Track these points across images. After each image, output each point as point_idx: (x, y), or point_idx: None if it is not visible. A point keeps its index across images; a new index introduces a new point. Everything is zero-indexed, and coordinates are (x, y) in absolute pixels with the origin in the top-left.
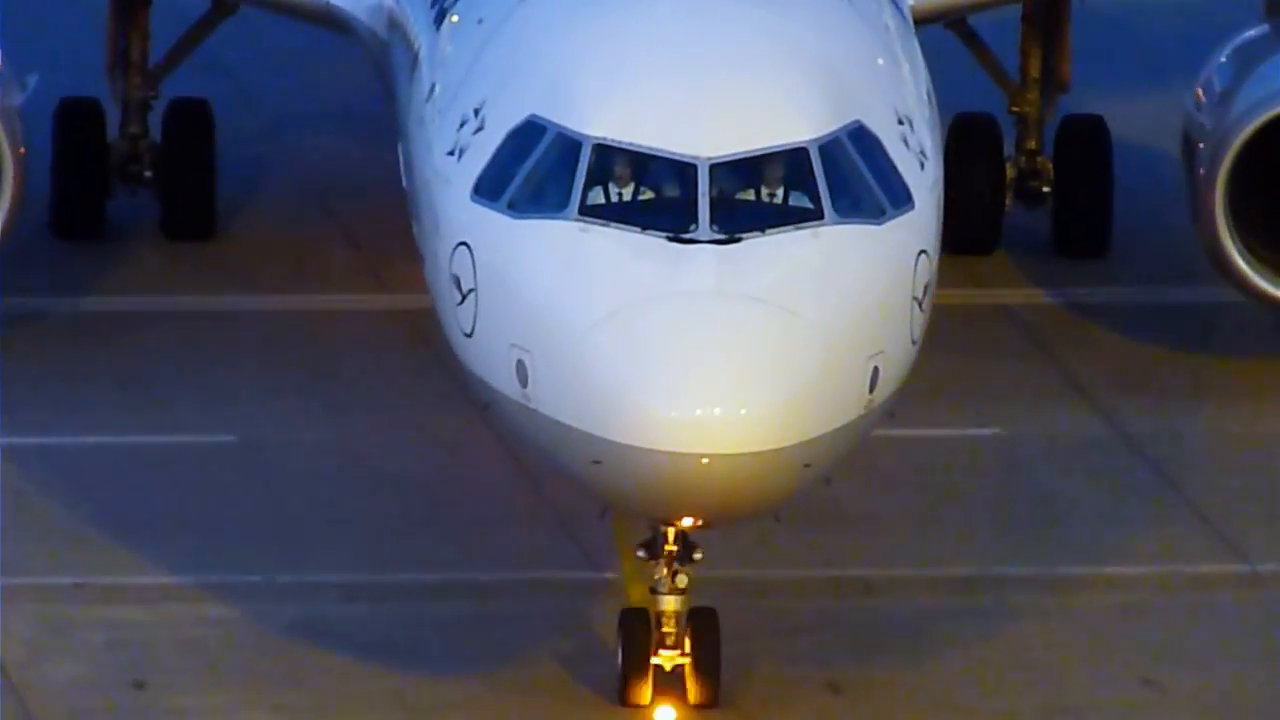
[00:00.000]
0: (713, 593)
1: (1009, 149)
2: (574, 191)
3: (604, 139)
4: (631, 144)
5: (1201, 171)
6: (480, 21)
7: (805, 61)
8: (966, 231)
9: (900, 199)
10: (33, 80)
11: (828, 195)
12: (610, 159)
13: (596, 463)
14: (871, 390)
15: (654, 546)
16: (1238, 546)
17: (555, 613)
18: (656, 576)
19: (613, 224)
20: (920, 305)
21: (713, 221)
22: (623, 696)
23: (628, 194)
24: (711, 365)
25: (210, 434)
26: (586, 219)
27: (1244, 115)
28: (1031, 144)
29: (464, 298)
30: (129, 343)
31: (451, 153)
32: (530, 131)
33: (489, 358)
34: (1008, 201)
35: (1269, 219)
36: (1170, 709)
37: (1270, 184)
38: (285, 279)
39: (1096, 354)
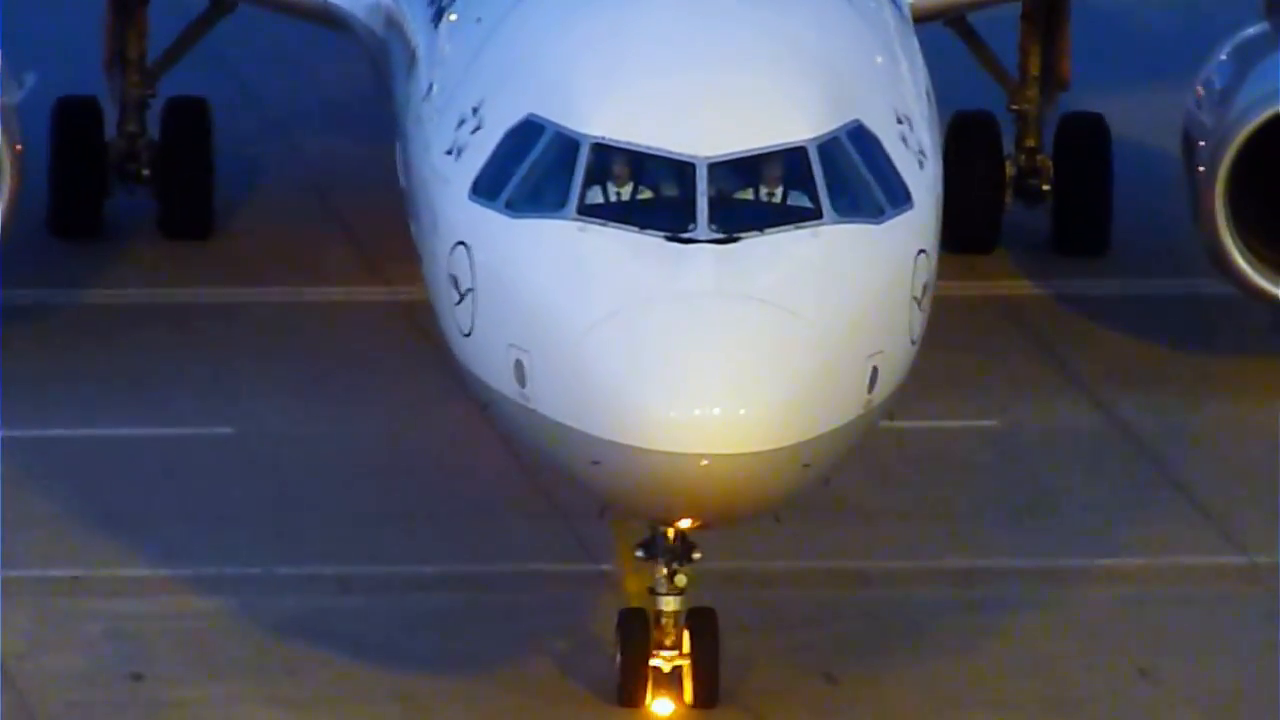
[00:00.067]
0: (710, 585)
1: (1008, 147)
2: (572, 191)
3: (602, 138)
4: (630, 143)
5: (1201, 169)
6: (478, 20)
7: (804, 60)
8: (966, 230)
9: (899, 198)
10: (30, 78)
11: (826, 194)
12: (608, 158)
13: (595, 463)
14: (871, 390)
15: (652, 547)
16: (1235, 538)
17: (553, 605)
18: (655, 577)
19: (611, 223)
20: (919, 305)
21: (711, 221)
22: (622, 697)
23: (626, 193)
24: (710, 365)
25: (208, 426)
26: (585, 218)
27: (1244, 114)
28: (1031, 142)
29: (462, 297)
30: (126, 335)
31: (449, 152)
32: (528, 131)
33: (487, 357)
34: (1007, 199)
35: (1268, 217)
36: (1167, 700)
37: (1270, 182)
38: (284, 277)
39: (1095, 348)
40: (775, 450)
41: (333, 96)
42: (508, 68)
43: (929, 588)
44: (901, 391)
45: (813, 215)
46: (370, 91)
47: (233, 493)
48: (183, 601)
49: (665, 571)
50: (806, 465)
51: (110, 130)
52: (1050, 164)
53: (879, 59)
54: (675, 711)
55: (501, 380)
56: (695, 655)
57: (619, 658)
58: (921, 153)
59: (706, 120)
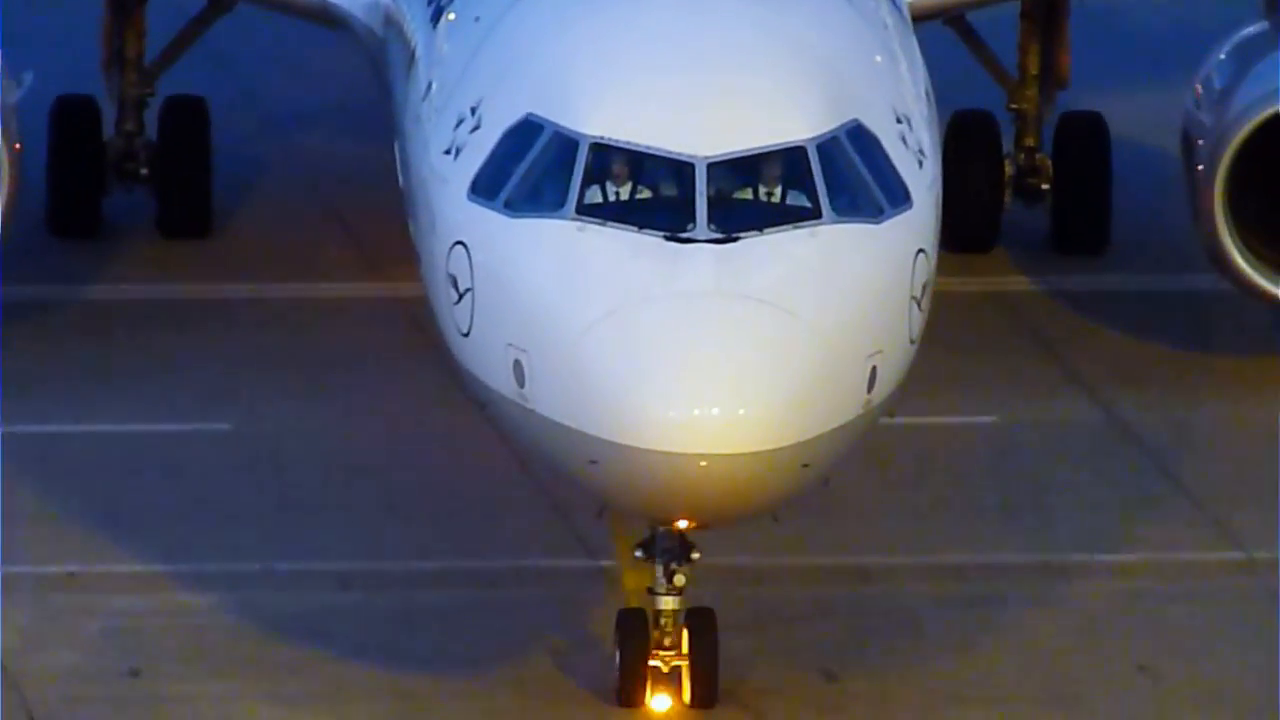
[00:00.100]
0: (708, 582)
1: (1008, 146)
2: (571, 190)
3: (601, 138)
4: (629, 143)
5: (1201, 168)
6: (477, 19)
7: (803, 60)
8: (965, 229)
9: (898, 198)
10: (28, 77)
11: (825, 194)
12: (607, 158)
13: (593, 463)
14: (870, 390)
15: (651, 547)
16: (1233, 534)
17: (552, 600)
18: (654, 577)
19: (610, 223)
20: (919, 304)
21: (710, 221)
22: (621, 697)
23: (625, 193)
24: (709, 365)
25: (206, 422)
26: (583, 218)
27: (1243, 113)
28: (1030, 141)
29: (461, 297)
30: (124, 331)
31: (448, 151)
32: (527, 130)
33: (486, 357)
34: (1006, 199)
35: (1268, 216)
36: (1165, 696)
37: (1269, 181)
38: (283, 275)
39: (1094, 345)
40: (774, 450)
41: (332, 95)
42: (506, 67)
43: (928, 584)
44: (901, 391)
45: (812, 215)
46: (369, 90)
47: (231, 489)
48: (181, 598)
49: (663, 571)
50: (805, 465)
51: (108, 129)
52: (1049, 163)
53: (878, 58)
54: (673, 708)
55: (500, 380)
56: (694, 655)
57: (618, 658)
58: (921, 152)
59: (705, 120)
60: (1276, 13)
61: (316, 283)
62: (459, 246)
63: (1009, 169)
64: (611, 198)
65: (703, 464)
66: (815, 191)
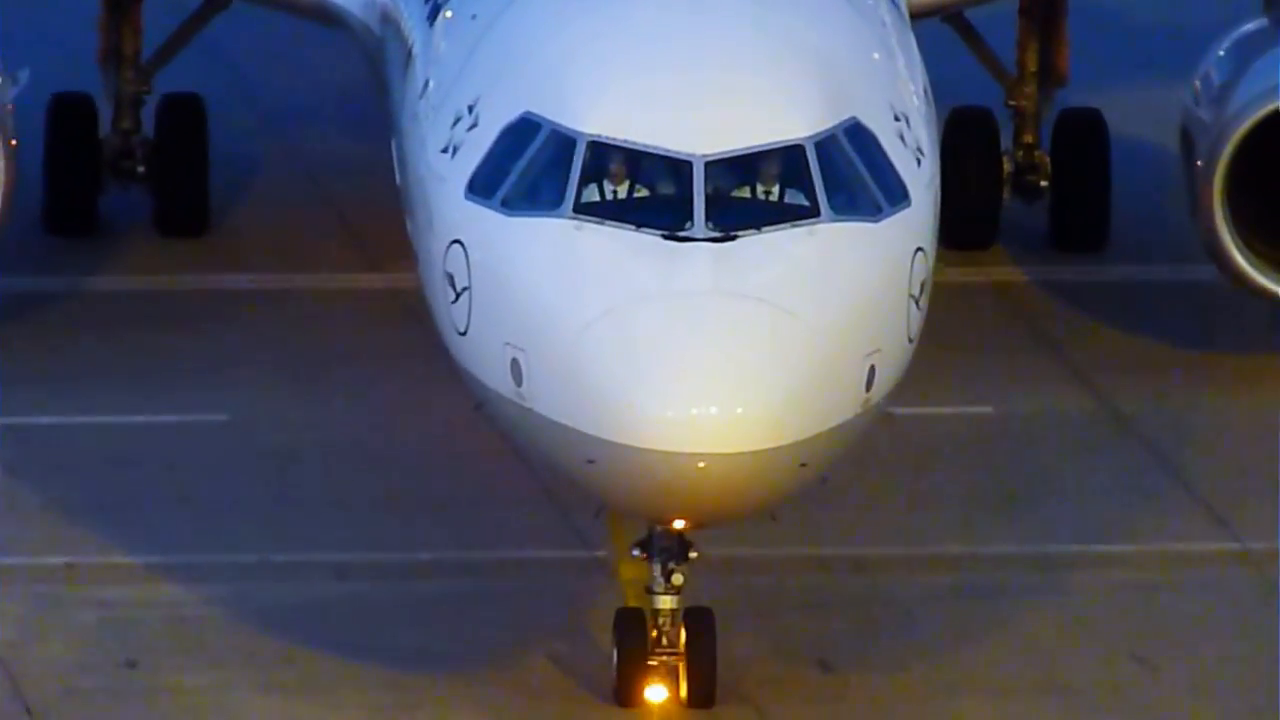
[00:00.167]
0: (704, 573)
1: (1006, 143)
2: (568, 189)
3: (599, 136)
4: (626, 141)
5: (1199, 165)
6: (474, 17)
7: (801, 58)
8: (964, 226)
9: (897, 196)
10: (24, 75)
11: (824, 193)
12: (605, 156)
13: (591, 462)
14: (868, 389)
15: (649, 546)
16: (1228, 524)
17: (549, 592)
18: (652, 576)
19: (607, 222)
20: (917, 303)
21: (708, 219)
22: (619, 696)
23: (622, 192)
24: (707, 364)
25: (202, 413)
26: (581, 217)
27: (1242, 110)
28: (1029, 138)
29: (458, 296)
30: (120, 323)
31: (445, 150)
32: (524, 128)
33: (483, 356)
34: (1005, 196)
35: (1266, 213)
36: (1160, 686)
37: (1268, 178)
38: (281, 270)
39: (1091, 337)
40: (772, 450)
41: (330, 92)
42: (504, 65)
43: (923, 575)
44: (899, 389)
45: (810, 213)
46: (367, 87)
47: (228, 480)
48: (177, 589)
49: (662, 571)
50: (803, 465)
51: (105, 127)
52: (1048, 160)
53: (876, 56)
54: (669, 699)
55: (497, 379)
56: (692, 655)
57: (616, 657)
58: (919, 150)
59: (703, 118)
60: (1275, 9)
61: (314, 274)
62: (456, 245)
63: (1007, 166)
64: (609, 196)
65: (700, 463)
66: (813, 190)
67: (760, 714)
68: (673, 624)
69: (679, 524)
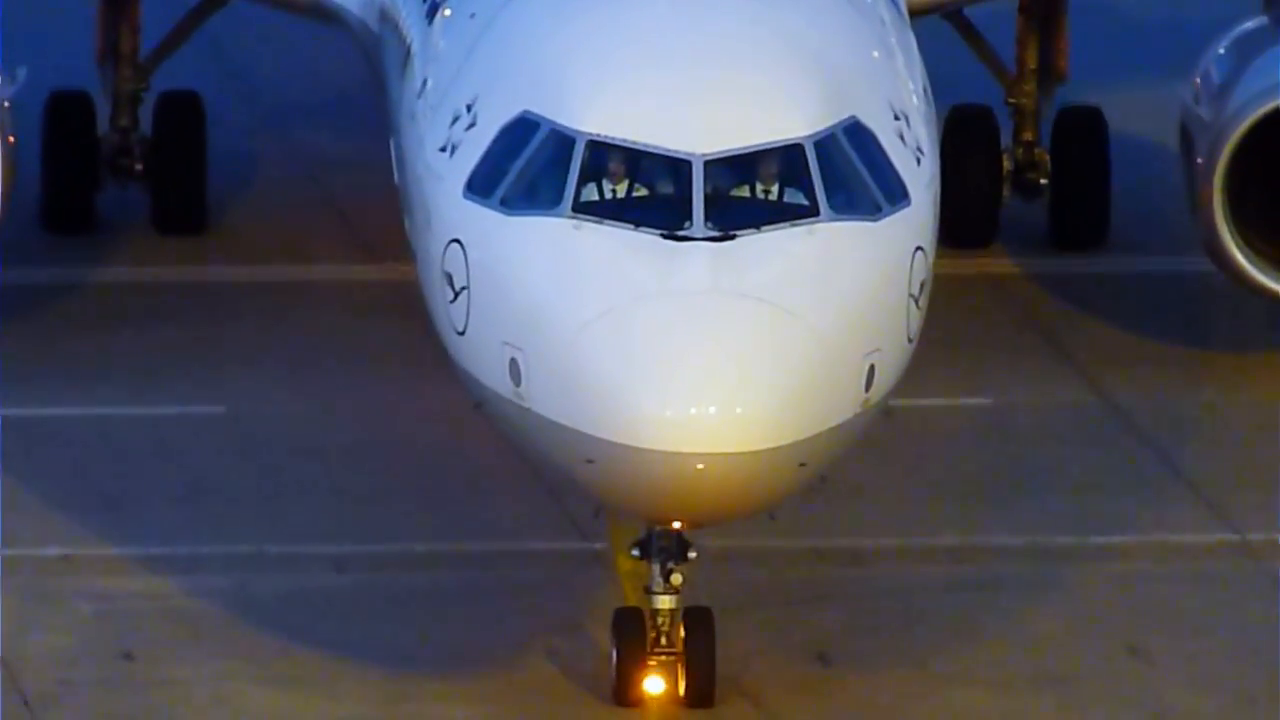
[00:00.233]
0: (701, 565)
1: (1006, 141)
2: (567, 188)
3: (597, 135)
4: (625, 140)
5: (1199, 163)
6: (472, 16)
7: (800, 57)
8: (963, 224)
9: (896, 195)
10: (22, 73)
11: (823, 192)
12: (604, 155)
13: (590, 462)
14: (868, 389)
15: (648, 546)
16: (1226, 516)
17: (547, 583)
18: (651, 576)
19: (606, 221)
20: (917, 303)
21: (707, 219)
22: (618, 696)
23: (621, 191)
24: (706, 364)
25: (199, 405)
26: (580, 216)
27: (1242, 108)
28: (1028, 136)
29: (456, 295)
30: (118, 315)
31: (443, 149)
32: (523, 127)
33: (482, 356)
34: (1005, 194)
35: (1266, 211)
36: (1158, 678)
37: (1268, 177)
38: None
39: (1090, 331)
40: (771, 450)
41: (329, 89)
42: (502, 64)
43: (921, 566)
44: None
45: (809, 213)
46: (366, 84)
47: (225, 472)
48: (175, 581)
49: (660, 571)
50: (802, 464)
51: (103, 125)
52: (1048, 158)
53: (875, 54)
54: (667, 691)
55: (496, 378)
56: (691, 655)
57: (615, 657)
58: (919, 149)
59: (702, 117)
60: (1275, 7)
61: (311, 266)
62: (455, 244)
63: (1007, 164)
64: (608, 195)
65: (699, 463)
66: (813, 189)
67: (758, 706)
68: (672, 624)
69: (677, 524)
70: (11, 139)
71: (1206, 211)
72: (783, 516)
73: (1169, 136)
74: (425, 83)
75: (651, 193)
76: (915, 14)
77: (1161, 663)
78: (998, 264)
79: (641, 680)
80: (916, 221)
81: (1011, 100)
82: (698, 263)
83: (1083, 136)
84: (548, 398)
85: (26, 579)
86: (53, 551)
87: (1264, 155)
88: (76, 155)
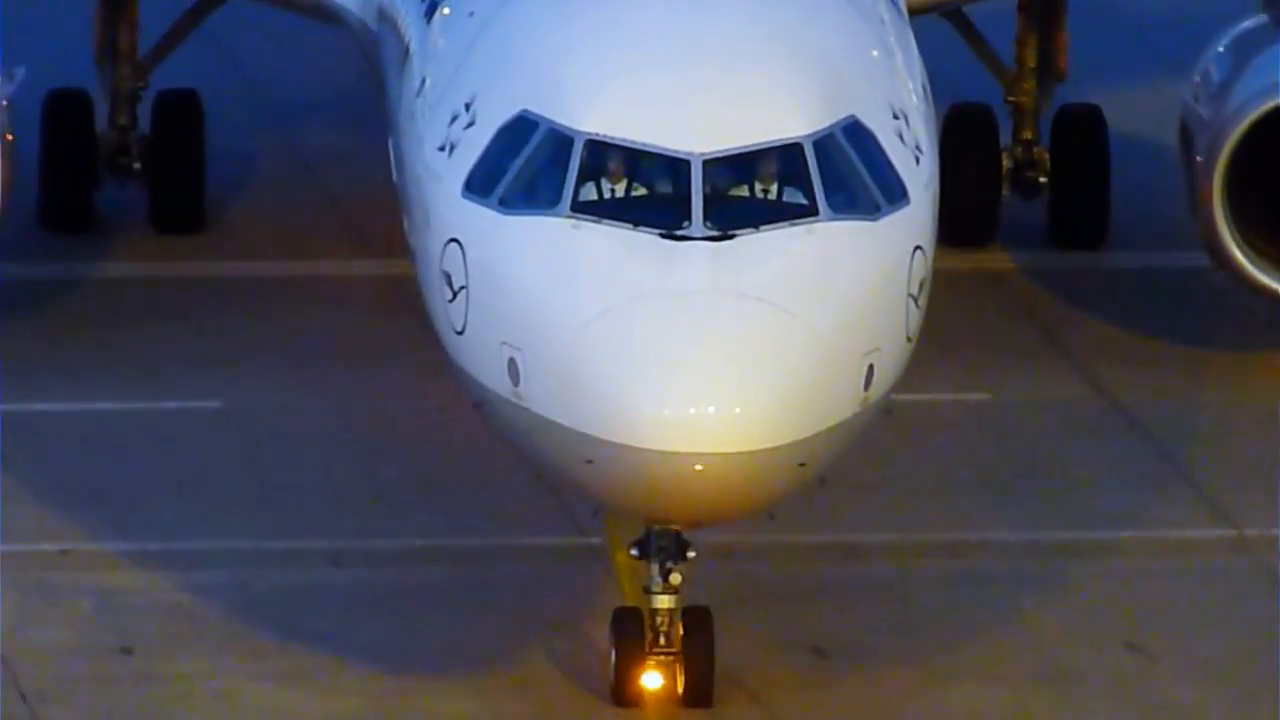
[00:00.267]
0: (698, 559)
1: (1005, 139)
2: (566, 188)
3: (596, 135)
4: (624, 140)
5: (1199, 162)
6: (471, 15)
7: (799, 56)
8: (963, 223)
9: (895, 195)
10: (20, 71)
11: (822, 191)
12: (602, 155)
13: (588, 462)
14: (867, 388)
15: (646, 545)
16: (1226, 512)
17: (545, 579)
18: (649, 576)
19: (605, 221)
20: (916, 302)
21: (706, 218)
22: (617, 696)
23: (620, 190)
24: (704, 363)
25: (197, 400)
26: (578, 216)
27: (1242, 107)
28: (1028, 134)
29: (455, 295)
30: (115, 310)
31: (442, 148)
32: (522, 127)
33: (480, 355)
34: (1004, 192)
35: (1266, 210)
36: (1156, 674)
37: (1268, 176)
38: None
39: (1089, 328)
40: (770, 449)
41: (327, 87)
42: (501, 63)
43: (920, 562)
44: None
45: (808, 212)
46: (365, 82)
47: (222, 467)
48: (173, 576)
49: (659, 570)
50: (802, 464)
51: (101, 123)
52: (1047, 156)
53: (875, 53)
54: (665, 689)
55: (494, 378)
56: (690, 654)
57: (614, 656)
58: (918, 148)
59: (701, 116)
60: (1275, 6)
61: (309, 261)
62: (453, 244)
63: (1007, 162)
64: (606, 195)
65: (698, 463)
66: (812, 189)
67: (756, 702)
68: (670, 624)
69: (676, 524)
70: (10, 137)
71: (1206, 210)
72: (781, 512)
73: (1169, 135)
74: (424, 82)
75: (650, 192)
76: (914, 12)
77: (1160, 659)
78: (997, 262)
79: (640, 679)
80: (916, 221)
81: (1011, 98)
82: (696, 262)
83: (1082, 135)
84: (546, 397)
85: (25, 574)
86: (51, 546)
87: (1264, 154)
88: (75, 153)
